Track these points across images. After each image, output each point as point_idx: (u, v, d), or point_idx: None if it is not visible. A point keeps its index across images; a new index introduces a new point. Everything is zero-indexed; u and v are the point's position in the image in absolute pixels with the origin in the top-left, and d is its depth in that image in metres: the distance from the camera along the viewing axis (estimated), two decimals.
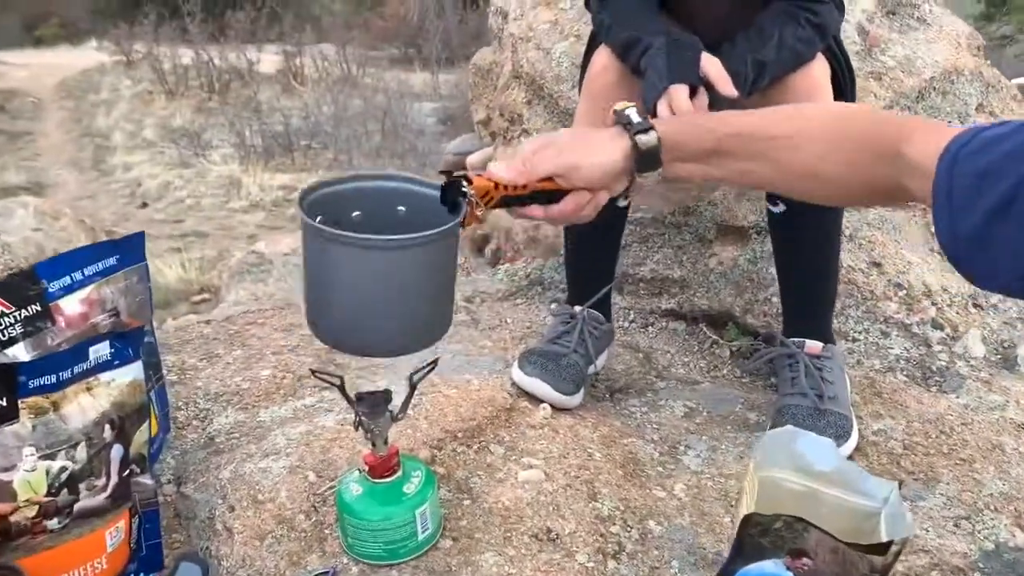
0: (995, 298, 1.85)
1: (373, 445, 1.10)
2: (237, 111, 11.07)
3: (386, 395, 1.09)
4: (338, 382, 1.09)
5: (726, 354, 1.87)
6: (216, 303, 5.92)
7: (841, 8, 1.47)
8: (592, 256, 1.69)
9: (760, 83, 1.36)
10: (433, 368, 1.12)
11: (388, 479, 1.11)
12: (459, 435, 1.36)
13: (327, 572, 1.10)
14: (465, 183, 0.93)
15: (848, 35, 2.10)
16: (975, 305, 1.82)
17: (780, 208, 1.51)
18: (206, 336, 1.89)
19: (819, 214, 1.48)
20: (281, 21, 14.55)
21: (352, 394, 1.10)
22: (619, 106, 0.99)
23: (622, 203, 1.62)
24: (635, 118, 0.97)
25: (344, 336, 0.96)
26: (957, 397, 1.56)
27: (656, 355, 1.88)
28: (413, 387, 1.12)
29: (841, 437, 1.39)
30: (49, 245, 3.09)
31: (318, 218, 0.90)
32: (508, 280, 2.18)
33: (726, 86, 1.23)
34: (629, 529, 1.23)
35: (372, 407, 1.08)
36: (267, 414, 1.46)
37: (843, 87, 1.53)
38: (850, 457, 1.41)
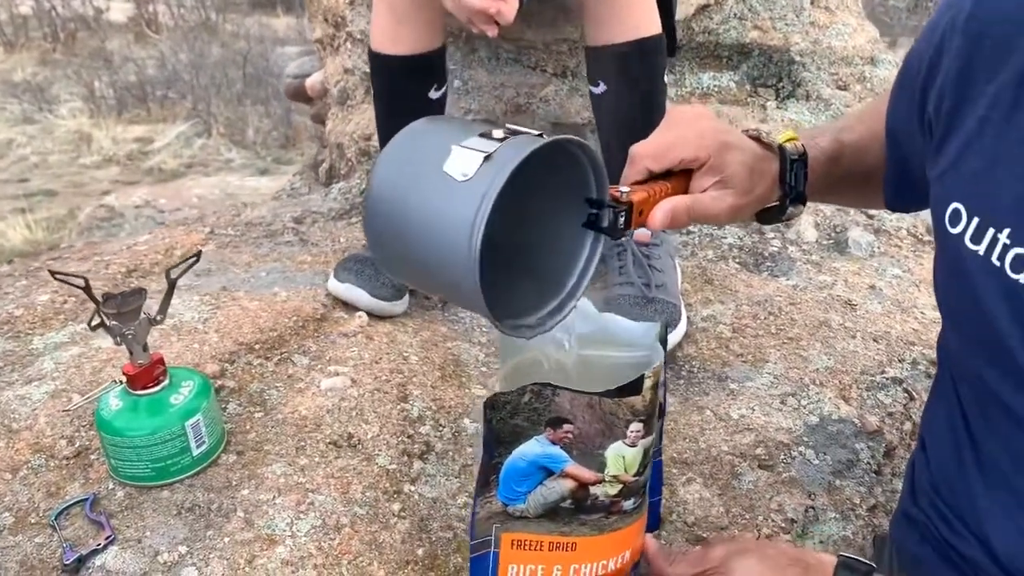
0: None
1: (131, 353, 0.96)
2: (85, 63, 10.31)
3: (138, 294, 0.95)
4: (81, 283, 0.94)
5: None
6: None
7: None
8: None
9: None
10: (195, 262, 0.99)
11: (152, 390, 0.97)
12: (256, 347, 1.23)
13: (86, 499, 0.96)
14: (621, 201, 0.76)
15: None
16: None
17: (601, 88, 1.42)
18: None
19: (640, 91, 1.41)
20: None
21: (100, 295, 0.95)
22: (755, 130, 0.87)
23: (434, 95, 1.50)
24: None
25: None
26: (787, 280, 1.53)
27: None
28: (171, 284, 0.98)
29: (669, 324, 1.34)
30: None
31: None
32: (342, 198, 2.03)
33: None
34: (441, 428, 1.14)
35: (121, 307, 0.94)
36: (41, 341, 1.29)
37: None
38: (680, 344, 1.36)
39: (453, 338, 1.40)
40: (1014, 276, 0.65)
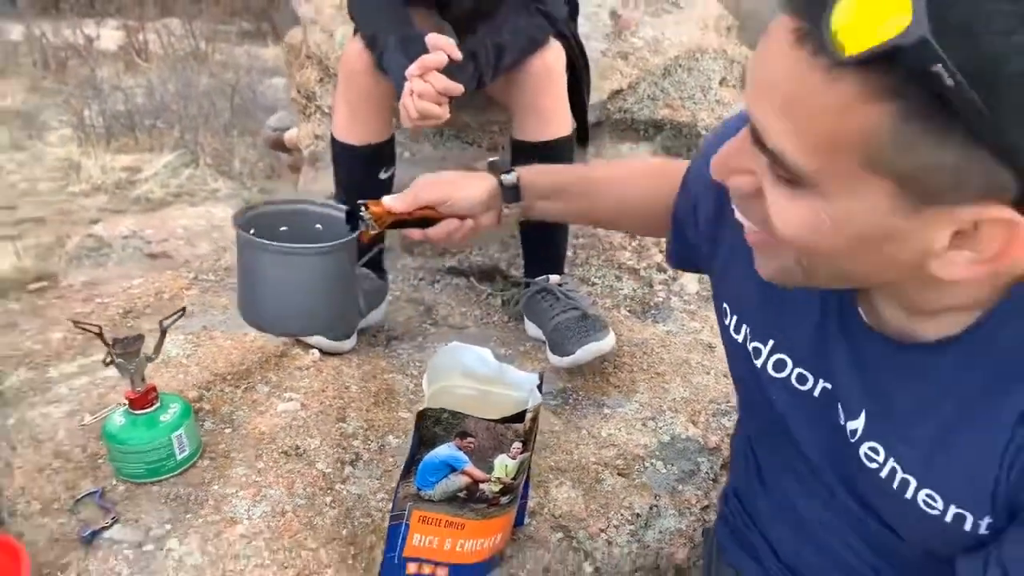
0: None
1: (131, 383, 1.29)
2: (75, 90, 10.58)
3: (139, 339, 1.28)
4: (97, 329, 1.27)
5: (498, 303, 2.13)
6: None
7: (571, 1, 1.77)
8: None
9: (502, 64, 1.60)
10: (181, 315, 1.32)
11: (147, 411, 1.30)
12: (228, 377, 1.56)
13: (96, 492, 1.28)
14: (364, 209, 1.13)
15: (601, 19, 2.40)
16: None
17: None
18: (10, 312, 2.00)
19: None
20: None
21: (110, 339, 1.28)
22: (493, 159, 1.23)
23: (383, 175, 1.84)
24: (503, 165, 1.20)
25: (265, 320, 1.21)
26: (664, 326, 1.88)
27: (438, 307, 2.12)
28: (163, 332, 1.31)
29: (604, 329, 1.68)
30: None
31: (251, 231, 1.13)
32: None
33: (452, 51, 1.46)
34: (369, 443, 1.47)
35: (126, 348, 1.26)
36: (56, 371, 1.61)
37: (578, 71, 1.82)
38: (572, 377, 1.70)
39: (390, 371, 1.73)
40: (746, 349, 0.97)
